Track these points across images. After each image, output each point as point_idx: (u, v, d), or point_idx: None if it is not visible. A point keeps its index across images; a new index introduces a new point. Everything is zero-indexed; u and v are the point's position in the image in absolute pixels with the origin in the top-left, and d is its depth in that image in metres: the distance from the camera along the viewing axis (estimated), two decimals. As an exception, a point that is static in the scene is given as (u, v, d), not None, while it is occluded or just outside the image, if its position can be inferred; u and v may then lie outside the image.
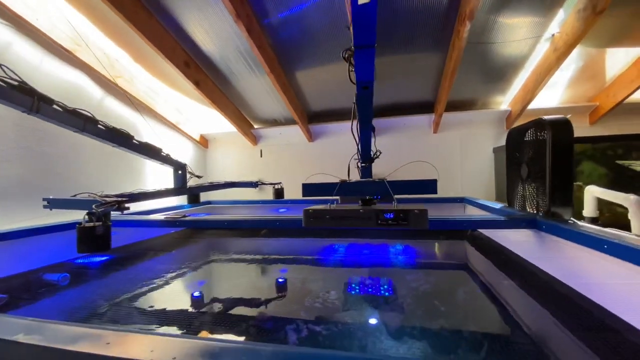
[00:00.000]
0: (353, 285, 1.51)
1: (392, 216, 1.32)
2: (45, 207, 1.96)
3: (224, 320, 1.25)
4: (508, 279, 1.80)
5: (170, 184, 2.76)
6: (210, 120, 4.08)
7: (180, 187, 2.68)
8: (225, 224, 2.25)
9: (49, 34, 2.44)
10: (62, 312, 1.57)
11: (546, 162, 1.86)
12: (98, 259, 2.42)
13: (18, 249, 2.07)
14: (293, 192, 3.89)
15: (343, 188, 1.47)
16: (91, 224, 1.52)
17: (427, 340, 1.06)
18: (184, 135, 4.13)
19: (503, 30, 2.60)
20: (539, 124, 1.98)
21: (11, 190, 2.25)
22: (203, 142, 4.48)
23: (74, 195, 2.02)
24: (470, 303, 1.38)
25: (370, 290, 1.44)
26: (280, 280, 1.69)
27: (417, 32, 2.67)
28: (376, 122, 3.84)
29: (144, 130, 3.45)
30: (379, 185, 1.45)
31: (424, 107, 3.74)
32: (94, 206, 1.57)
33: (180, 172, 2.69)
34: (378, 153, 2.16)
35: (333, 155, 4.06)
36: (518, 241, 2.22)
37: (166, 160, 2.55)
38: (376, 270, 1.85)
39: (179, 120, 3.89)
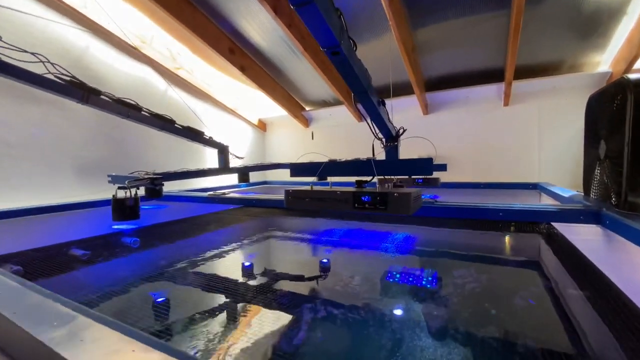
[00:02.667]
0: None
1: (369, 199, 1.16)
2: (109, 182, 2.36)
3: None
4: (576, 287, 1.48)
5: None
6: (267, 105, 4.25)
7: (222, 168, 2.89)
8: (254, 202, 2.35)
9: (119, 35, 2.85)
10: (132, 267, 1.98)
11: (625, 135, 1.39)
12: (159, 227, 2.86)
13: (94, 216, 2.56)
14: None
15: (328, 168, 1.36)
16: (122, 197, 1.76)
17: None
18: (243, 120, 4.41)
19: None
20: (619, 85, 1.49)
21: (94, 167, 2.76)
22: (261, 126, 4.72)
23: (132, 173, 2.37)
24: (525, 310, 1.25)
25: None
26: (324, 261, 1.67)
27: None
28: (433, 96, 3.45)
29: (205, 117, 3.80)
30: (365, 165, 1.29)
31: (492, 75, 3.17)
32: (127, 182, 1.82)
33: (222, 153, 2.89)
34: (401, 131, 1.92)
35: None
36: (585, 239, 1.75)
37: (209, 142, 2.76)
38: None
39: (236, 106, 4.16)
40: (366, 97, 1.43)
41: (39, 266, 1.96)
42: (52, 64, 1.74)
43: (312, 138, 4.36)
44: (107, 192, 2.57)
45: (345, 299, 1.32)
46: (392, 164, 1.25)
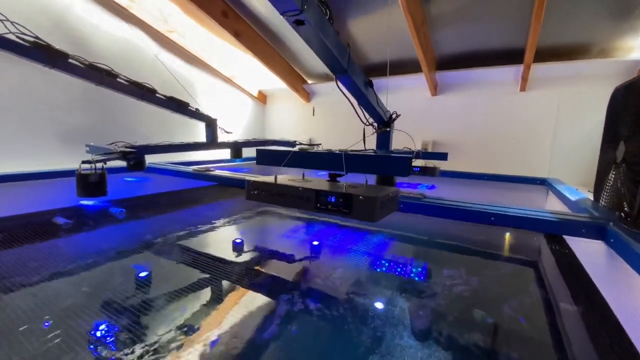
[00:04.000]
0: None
1: (333, 200, 1.01)
2: (87, 152, 2.26)
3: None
4: (571, 301, 1.38)
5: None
6: (268, 75, 4.00)
7: (210, 142, 2.75)
8: (237, 182, 2.22)
9: (104, -8, 2.63)
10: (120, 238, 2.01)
11: None
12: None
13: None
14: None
15: (296, 158, 1.20)
16: (86, 172, 1.65)
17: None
18: (241, 91, 4.20)
19: None
20: (649, 78, 1.25)
21: (79, 134, 2.65)
22: (261, 98, 4.50)
23: (110, 144, 2.26)
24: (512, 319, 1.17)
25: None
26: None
27: None
28: (444, 75, 3.17)
29: (198, 86, 3.61)
30: (335, 158, 1.12)
31: (510, 56, 2.85)
32: (92, 156, 1.71)
33: (210, 127, 2.74)
34: (394, 115, 1.72)
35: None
36: (587, 254, 1.58)
37: (195, 115, 2.61)
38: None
39: (234, 75, 3.94)
40: (347, 77, 1.23)
41: (20, 233, 1.94)
42: (12, 22, 1.57)
43: (313, 114, 4.14)
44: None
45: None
46: (366, 160, 1.08)
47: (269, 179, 1.21)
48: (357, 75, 1.28)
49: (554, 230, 1.33)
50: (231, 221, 2.52)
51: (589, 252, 1.56)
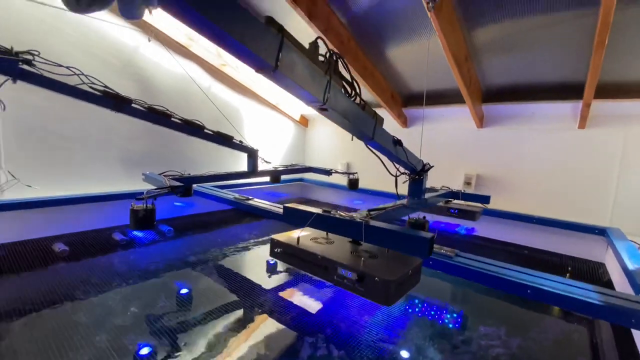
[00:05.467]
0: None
1: (350, 275, 1.03)
2: (143, 180, 2.53)
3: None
4: None
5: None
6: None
7: (250, 172, 2.91)
8: (272, 215, 2.33)
9: (167, 33, 2.95)
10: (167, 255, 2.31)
11: None
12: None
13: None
14: (377, 181, 3.61)
15: (319, 220, 1.24)
16: (139, 207, 1.85)
17: None
18: (285, 116, 4.38)
19: None
20: None
21: (138, 159, 2.97)
22: (303, 122, 4.64)
23: (161, 173, 2.51)
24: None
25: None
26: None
27: None
28: (490, 108, 3.02)
29: (247, 113, 3.84)
30: (355, 227, 1.14)
31: (567, 90, 2.62)
32: (145, 193, 1.91)
33: (252, 157, 2.90)
34: (427, 166, 1.69)
35: (431, 143, 3.43)
36: None
37: (238, 147, 2.78)
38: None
39: (278, 102, 4.13)
40: (374, 142, 1.25)
41: (83, 247, 2.27)
42: (85, 75, 1.84)
43: (352, 139, 4.16)
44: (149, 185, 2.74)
45: None
46: (385, 233, 1.08)
47: (292, 237, 1.25)
48: (384, 139, 1.29)
49: (599, 316, 1.20)
50: (268, 241, 2.69)
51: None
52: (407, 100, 3.55)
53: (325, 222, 1.23)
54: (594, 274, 2.33)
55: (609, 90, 2.43)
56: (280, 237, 1.27)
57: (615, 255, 1.92)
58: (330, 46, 2.55)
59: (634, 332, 1.50)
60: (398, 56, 2.87)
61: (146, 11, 0.52)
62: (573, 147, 2.74)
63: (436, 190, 2.39)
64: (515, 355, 1.38)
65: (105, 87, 1.93)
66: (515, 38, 2.30)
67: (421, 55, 2.69)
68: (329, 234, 1.33)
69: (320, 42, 0.92)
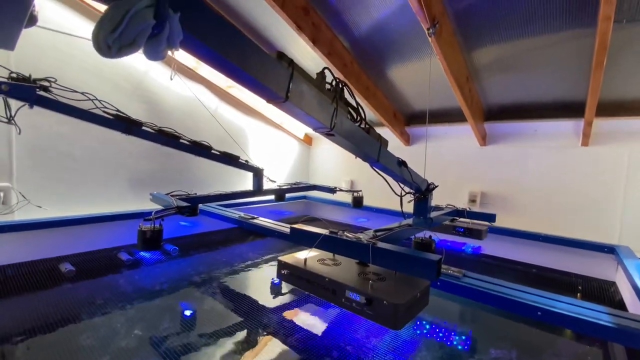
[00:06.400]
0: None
1: (358, 298, 1.03)
2: (150, 200, 2.56)
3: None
4: None
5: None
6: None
7: (256, 191, 2.94)
8: (277, 234, 2.33)
9: (176, 58, 3.06)
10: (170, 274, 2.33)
11: None
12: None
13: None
14: (381, 198, 3.62)
15: (326, 242, 1.25)
16: (147, 228, 1.88)
17: None
18: (289, 135, 4.46)
19: None
20: None
21: (146, 181, 3.02)
22: (307, 140, 4.71)
23: (168, 193, 2.54)
24: None
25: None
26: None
27: (553, 2, 1.85)
28: (493, 126, 3.06)
29: (250, 132, 3.92)
30: (362, 249, 1.15)
31: (568, 109, 2.66)
32: (153, 214, 1.94)
33: (257, 176, 2.94)
34: (432, 186, 1.71)
35: (434, 160, 3.45)
36: None
37: (244, 166, 2.83)
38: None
39: (282, 121, 4.21)
40: (379, 164, 1.28)
41: (89, 267, 2.29)
42: (99, 100, 1.91)
43: (356, 157, 4.20)
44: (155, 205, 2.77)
45: None
46: (393, 255, 1.09)
47: (299, 259, 1.26)
48: (389, 160, 1.32)
49: (612, 339, 1.18)
50: (272, 259, 2.72)
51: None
52: (410, 119, 3.60)
53: (332, 244, 1.24)
54: (604, 293, 2.29)
55: (611, 108, 2.46)
56: (287, 258, 1.28)
57: (625, 274, 1.90)
58: (337, 74, 2.63)
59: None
60: (399, 77, 2.94)
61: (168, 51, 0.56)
62: (577, 165, 2.75)
63: (441, 209, 2.39)
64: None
65: (118, 111, 2.00)
66: (514, 59, 2.36)
67: (422, 75, 2.75)
68: (335, 255, 1.34)
69: (327, 71, 0.96)
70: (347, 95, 1.09)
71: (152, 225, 1.88)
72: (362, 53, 2.69)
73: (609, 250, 2.38)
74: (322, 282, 1.13)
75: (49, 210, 2.41)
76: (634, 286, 1.66)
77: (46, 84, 1.72)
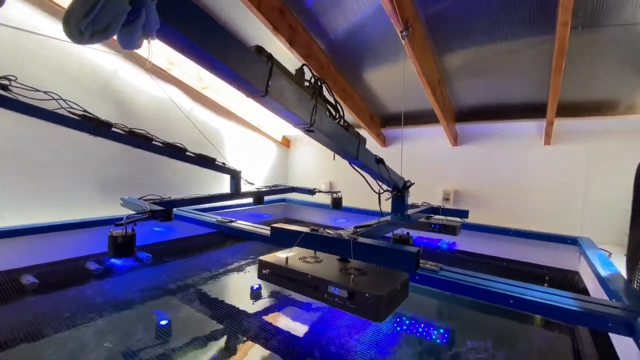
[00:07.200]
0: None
1: (339, 293, 1.04)
2: (121, 205, 2.45)
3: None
4: None
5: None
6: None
7: (233, 193, 2.88)
8: (259, 237, 2.30)
9: (147, 57, 2.95)
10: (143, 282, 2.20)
11: None
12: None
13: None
14: (360, 199, 3.66)
15: (307, 240, 1.25)
16: (118, 233, 1.79)
17: None
18: (267, 138, 4.42)
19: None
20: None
21: (116, 186, 2.88)
22: (285, 143, 4.69)
23: (141, 198, 2.44)
24: None
25: None
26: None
27: (517, 5, 1.96)
28: (464, 127, 3.19)
29: (227, 134, 3.85)
30: (343, 245, 1.16)
31: (532, 110, 2.83)
32: (125, 218, 1.85)
33: (234, 179, 2.89)
34: (408, 183, 1.75)
35: (410, 161, 3.53)
36: (624, 348, 1.46)
37: (221, 169, 2.77)
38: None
39: (260, 124, 4.17)
40: (358, 161, 1.30)
41: (55, 279, 2.14)
42: (64, 100, 1.81)
43: (334, 159, 4.23)
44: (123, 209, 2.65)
45: None
46: (374, 249, 1.11)
47: (280, 258, 1.25)
48: (367, 157, 1.34)
49: (578, 322, 1.26)
50: (252, 263, 2.67)
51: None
52: (385, 120, 3.68)
53: (313, 241, 1.24)
54: (569, 282, 2.43)
55: (570, 109, 2.64)
56: (268, 258, 1.27)
57: (588, 264, 2.03)
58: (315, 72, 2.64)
59: (612, 335, 1.57)
60: (375, 80, 3.00)
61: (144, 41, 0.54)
62: (541, 162, 2.93)
63: (417, 207, 2.45)
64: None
65: (85, 111, 1.91)
66: (481, 63, 2.49)
67: (397, 78, 2.83)
68: (316, 252, 1.34)
69: (305, 68, 0.97)
70: (325, 93, 1.11)
71: (124, 230, 1.80)
72: (339, 56, 2.72)
73: (572, 241, 2.54)
74: (304, 279, 1.13)
75: (7, 218, 2.25)
76: (596, 274, 1.78)
77: (5, 82, 1.61)
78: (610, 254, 2.20)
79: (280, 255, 1.29)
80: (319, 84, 1.01)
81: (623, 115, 2.50)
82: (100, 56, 2.72)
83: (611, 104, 2.51)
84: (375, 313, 0.96)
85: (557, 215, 2.84)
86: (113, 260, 2.44)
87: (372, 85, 3.10)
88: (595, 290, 1.93)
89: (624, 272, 1.70)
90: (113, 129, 2.05)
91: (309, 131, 0.98)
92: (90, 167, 2.69)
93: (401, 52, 2.50)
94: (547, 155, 2.90)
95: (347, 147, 1.16)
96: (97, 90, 2.71)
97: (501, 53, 2.36)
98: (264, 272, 1.25)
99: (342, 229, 1.55)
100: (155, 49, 2.98)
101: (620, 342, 1.50)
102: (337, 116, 1.10)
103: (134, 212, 2.07)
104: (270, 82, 0.75)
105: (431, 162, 3.51)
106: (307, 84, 1.01)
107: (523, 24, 2.06)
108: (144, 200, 2.30)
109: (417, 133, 3.55)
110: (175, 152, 2.41)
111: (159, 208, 2.09)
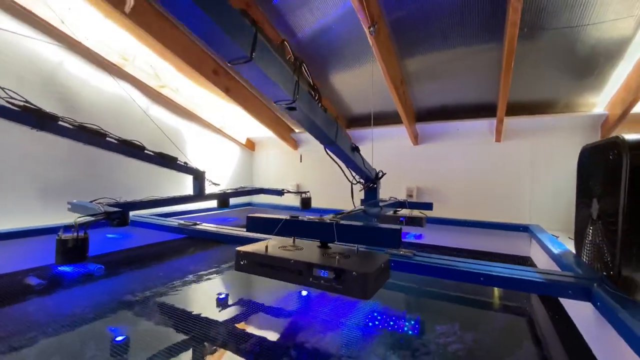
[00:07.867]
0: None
1: (326, 274, 1.01)
2: (69, 209, 2.20)
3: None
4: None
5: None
6: (256, 124, 4.11)
7: (197, 195, 2.73)
8: (227, 238, 2.19)
9: (98, 52, 2.73)
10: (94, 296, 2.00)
11: (620, 199, 1.27)
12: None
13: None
14: (328, 199, 3.67)
15: (288, 226, 1.21)
16: (68, 236, 1.59)
17: None
18: (230, 140, 4.28)
19: (588, 6, 1.89)
20: (613, 145, 1.37)
21: (61, 190, 2.59)
22: (250, 145, 4.59)
23: (93, 201, 2.21)
24: None
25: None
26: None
27: (468, 17, 2.13)
28: (424, 127, 3.34)
29: (188, 136, 3.67)
30: (326, 228, 1.14)
31: (484, 110, 3.06)
32: (75, 220, 1.66)
33: (198, 180, 2.74)
34: (381, 174, 1.79)
35: (375, 160, 3.65)
36: (577, 314, 1.60)
37: (183, 169, 2.62)
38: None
39: (223, 125, 4.04)
40: (335, 147, 1.29)
41: None
42: (2, 88, 1.60)
43: (301, 161, 4.22)
44: (70, 217, 2.38)
45: None
46: (357, 230, 1.10)
47: (260, 247, 1.20)
48: (344, 143, 1.35)
49: (542, 292, 1.36)
50: (216, 272, 2.50)
51: (579, 307, 1.58)
52: (350, 122, 3.76)
53: (294, 228, 1.20)
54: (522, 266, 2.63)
55: (518, 109, 2.90)
56: (246, 248, 1.21)
57: (540, 246, 2.21)
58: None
59: (563, 301, 1.74)
60: (342, 81, 3.07)
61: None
62: (493, 158, 3.17)
63: (386, 201, 2.52)
64: (471, 348, 1.46)
65: (26, 101, 1.69)
66: (438, 66, 2.66)
67: (362, 81, 2.93)
68: (295, 241, 1.30)
69: (285, 44, 0.95)
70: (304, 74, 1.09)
71: (75, 233, 1.61)
72: (307, 57, 2.74)
73: (524, 229, 2.76)
74: (287, 265, 1.08)
75: None
76: (549, 253, 1.95)
77: None
78: (557, 237, 2.42)
79: (258, 245, 1.24)
80: (299, 63, 1.00)
81: (561, 113, 2.80)
82: (43, 47, 2.46)
83: (551, 103, 2.81)
84: (363, 290, 0.95)
85: (509, 206, 3.08)
86: (61, 268, 2.17)
87: (339, 87, 3.16)
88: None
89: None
90: (60, 122, 1.84)
91: (290, 108, 0.96)
92: (30, 170, 2.40)
93: (368, 55, 2.59)
94: (497, 151, 3.15)
95: (327, 129, 1.15)
96: (39, 85, 2.45)
97: (455, 59, 2.54)
98: (242, 262, 1.19)
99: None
100: (108, 42, 2.77)
101: (571, 307, 1.66)
102: (316, 97, 1.09)
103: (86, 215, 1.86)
104: (255, 47, 0.71)
105: (395, 160, 3.63)
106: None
107: (475, 33, 2.26)
108: (97, 203, 2.08)
109: (381, 133, 3.66)
110: (132, 149, 2.23)
111: (115, 209, 1.90)
